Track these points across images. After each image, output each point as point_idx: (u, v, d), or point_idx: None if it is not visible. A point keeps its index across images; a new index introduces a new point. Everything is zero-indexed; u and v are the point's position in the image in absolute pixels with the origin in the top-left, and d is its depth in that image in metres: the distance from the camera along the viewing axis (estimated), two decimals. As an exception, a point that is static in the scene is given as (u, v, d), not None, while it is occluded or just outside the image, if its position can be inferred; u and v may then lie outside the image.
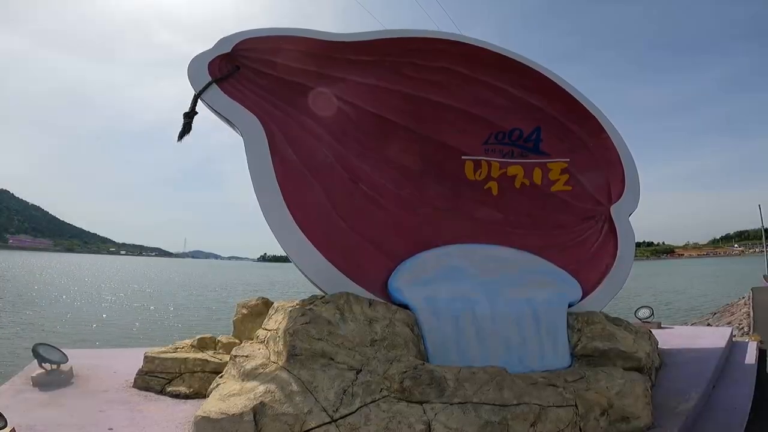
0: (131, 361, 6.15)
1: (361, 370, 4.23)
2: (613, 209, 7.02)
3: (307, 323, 4.50)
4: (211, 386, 4.58)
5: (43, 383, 5.48)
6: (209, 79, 5.78)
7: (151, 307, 28.29)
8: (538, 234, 6.81)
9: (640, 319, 9.72)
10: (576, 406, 4.26)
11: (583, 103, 7.34)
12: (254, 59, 6.18)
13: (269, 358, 4.59)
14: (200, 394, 5.23)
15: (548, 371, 5.04)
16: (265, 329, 5.20)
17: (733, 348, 7.89)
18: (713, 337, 8.08)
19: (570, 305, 6.01)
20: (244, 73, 6.08)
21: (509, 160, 6.98)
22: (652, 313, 9.96)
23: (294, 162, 5.85)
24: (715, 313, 20.73)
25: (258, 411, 3.69)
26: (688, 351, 7.09)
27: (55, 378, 5.63)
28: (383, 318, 4.96)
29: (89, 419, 4.50)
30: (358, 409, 3.81)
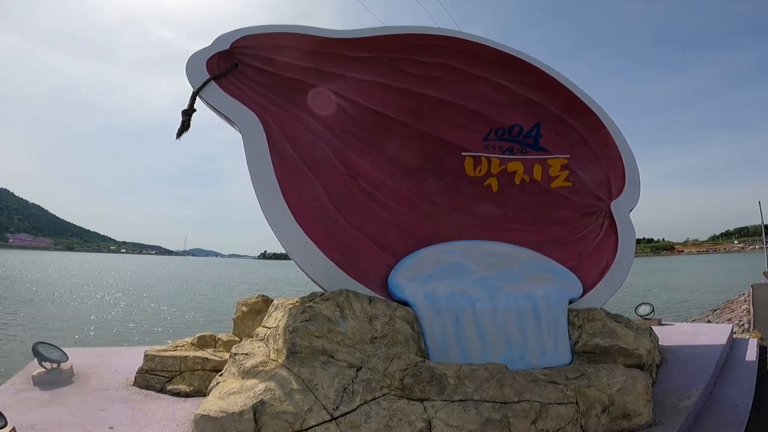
0: (131, 359, 6.15)
1: (361, 368, 4.22)
2: (614, 205, 7.00)
3: (306, 321, 4.48)
4: (211, 384, 4.57)
5: (43, 382, 5.48)
6: (207, 76, 5.75)
7: (151, 306, 28.31)
8: (538, 230, 6.80)
9: (640, 316, 9.71)
10: (577, 403, 4.25)
11: (583, 100, 7.31)
12: (252, 56, 6.15)
13: (269, 356, 4.58)
14: (200, 393, 5.23)
15: (549, 368, 5.03)
16: (265, 327, 5.19)
17: (734, 345, 7.89)
18: (714, 334, 8.08)
19: (570, 302, 5.99)
20: (242, 70, 6.06)
21: (509, 157, 6.96)
22: (653, 310, 9.95)
23: (293, 159, 5.83)
24: (715, 310, 20.76)
25: (258, 409, 3.68)
26: (689, 348, 7.08)
27: (55, 377, 5.62)
28: (383, 315, 4.95)
29: (90, 418, 4.49)
30: (358, 406, 3.80)
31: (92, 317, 22.34)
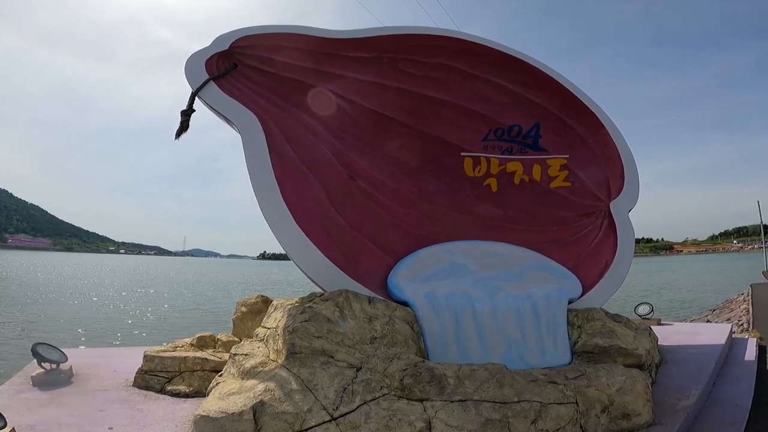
0: (131, 360, 6.15)
1: (361, 368, 4.22)
2: (613, 205, 7.01)
3: (306, 321, 4.48)
4: (211, 385, 4.57)
5: (42, 383, 5.47)
6: (207, 76, 5.74)
7: (151, 306, 28.28)
8: (537, 230, 6.81)
9: (639, 316, 9.72)
10: (577, 403, 4.25)
11: (582, 100, 7.31)
12: (252, 56, 6.15)
13: (268, 356, 4.58)
14: (200, 393, 5.22)
15: (549, 368, 5.03)
16: (265, 327, 5.19)
17: (733, 345, 7.90)
18: (713, 334, 8.09)
19: (570, 302, 6.00)
20: (241, 70, 6.05)
21: (508, 157, 6.96)
22: (652, 310, 9.96)
23: (292, 159, 5.83)
24: (714, 310, 20.77)
25: (258, 409, 3.68)
26: (688, 348, 7.09)
27: (54, 377, 5.61)
28: (383, 315, 4.95)
29: (89, 418, 4.49)
30: (358, 407, 3.80)
31: (91, 318, 22.32)
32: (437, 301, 5.41)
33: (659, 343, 6.64)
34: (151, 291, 39.97)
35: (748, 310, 15.18)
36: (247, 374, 4.30)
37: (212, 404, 3.80)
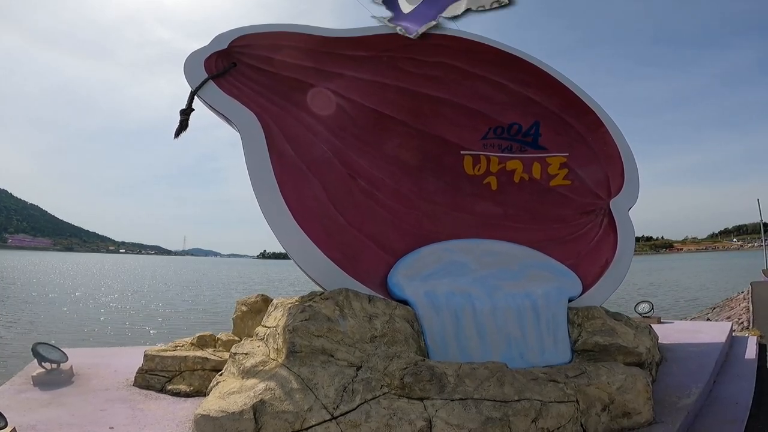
0: (131, 359, 6.15)
1: (361, 367, 4.22)
2: (613, 203, 7.00)
3: (306, 320, 4.48)
4: (211, 384, 4.57)
5: (43, 382, 5.48)
6: (205, 75, 5.74)
7: (151, 306, 28.28)
8: (537, 228, 6.80)
9: (639, 314, 9.71)
10: (577, 401, 4.26)
11: (582, 98, 7.30)
12: (251, 56, 6.14)
13: (269, 355, 4.58)
14: (200, 392, 5.22)
15: (549, 366, 5.03)
16: (265, 326, 5.19)
17: (733, 343, 7.90)
18: (713, 332, 8.09)
19: (570, 300, 6.00)
20: (240, 69, 6.04)
21: (508, 155, 6.95)
22: (652, 308, 9.95)
23: (292, 158, 5.83)
24: (714, 308, 20.75)
25: (258, 409, 3.68)
26: (689, 346, 7.09)
27: (55, 377, 5.62)
28: (383, 314, 4.95)
29: (90, 418, 4.49)
30: (358, 406, 3.80)
31: (92, 317, 22.32)
32: (437, 299, 5.41)
33: (659, 341, 6.64)
34: (151, 291, 39.97)
35: (748, 309, 15.17)
36: (247, 373, 4.30)
37: (213, 403, 3.80)
